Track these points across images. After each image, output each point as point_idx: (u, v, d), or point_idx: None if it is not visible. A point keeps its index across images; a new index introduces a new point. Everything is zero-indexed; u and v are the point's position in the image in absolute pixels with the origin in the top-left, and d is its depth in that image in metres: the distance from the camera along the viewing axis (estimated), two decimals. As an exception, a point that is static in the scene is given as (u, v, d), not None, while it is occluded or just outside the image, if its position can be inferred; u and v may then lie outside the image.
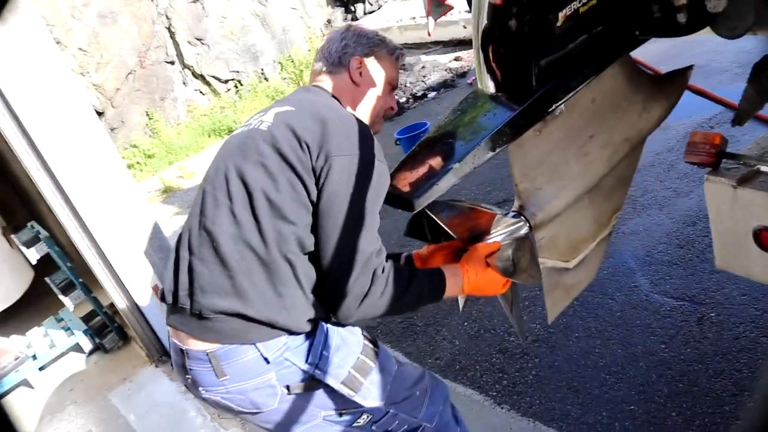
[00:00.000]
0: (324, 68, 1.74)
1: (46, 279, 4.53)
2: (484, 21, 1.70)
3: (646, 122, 1.96)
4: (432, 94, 6.84)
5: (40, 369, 4.21)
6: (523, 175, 1.78)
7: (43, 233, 4.22)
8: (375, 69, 1.75)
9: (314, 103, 1.61)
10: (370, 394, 1.56)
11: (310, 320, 1.51)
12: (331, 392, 1.54)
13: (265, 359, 1.47)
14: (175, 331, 1.58)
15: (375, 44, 1.75)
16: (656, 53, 5.52)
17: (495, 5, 1.62)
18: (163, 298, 1.61)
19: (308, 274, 1.50)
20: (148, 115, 9.79)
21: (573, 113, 1.80)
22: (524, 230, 1.76)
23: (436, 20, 1.84)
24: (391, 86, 1.80)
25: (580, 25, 1.67)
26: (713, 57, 4.99)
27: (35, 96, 3.45)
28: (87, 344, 4.33)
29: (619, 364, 2.62)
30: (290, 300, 1.47)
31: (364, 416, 1.62)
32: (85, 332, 4.30)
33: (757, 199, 1.95)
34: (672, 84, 2.02)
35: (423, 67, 7.35)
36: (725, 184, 2.02)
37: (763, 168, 2.01)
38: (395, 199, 1.58)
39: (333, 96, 1.70)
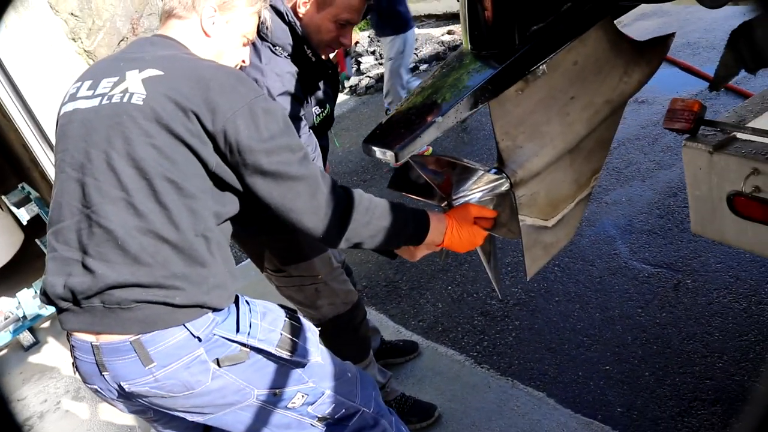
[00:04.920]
0: (175, 11, 1.58)
1: (37, 240, 4.56)
2: (470, -20, 1.74)
3: (627, 85, 2.00)
4: (424, 67, 6.85)
5: (30, 329, 4.25)
6: (504, 133, 1.82)
7: (34, 194, 4.26)
8: (231, 20, 1.60)
9: (179, 61, 1.49)
10: (307, 352, 1.56)
11: (231, 294, 1.50)
12: (263, 366, 1.52)
13: (197, 338, 1.41)
14: (80, 333, 1.43)
15: None
16: (648, 31, 5.57)
17: (480, -36, 1.66)
18: (50, 302, 1.45)
19: (222, 245, 1.48)
20: (139, 83, 9.73)
21: (555, 74, 1.84)
22: (505, 186, 1.81)
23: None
24: (246, 39, 1.67)
25: (563, -13, 1.72)
26: (703, 35, 5.04)
27: (31, 61, 3.49)
28: (77, 305, 4.38)
29: (597, 327, 2.69)
30: (213, 279, 1.43)
31: (299, 395, 1.57)
32: (74, 293, 4.34)
33: (732, 165, 2.01)
34: (653, 50, 2.06)
35: (416, 39, 7.34)
36: (702, 150, 2.08)
37: (739, 135, 2.06)
38: (378, 152, 1.62)
39: (183, 45, 1.57)
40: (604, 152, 2.12)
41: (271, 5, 1.81)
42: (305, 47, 1.92)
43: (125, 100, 1.41)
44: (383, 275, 3.52)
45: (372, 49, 7.37)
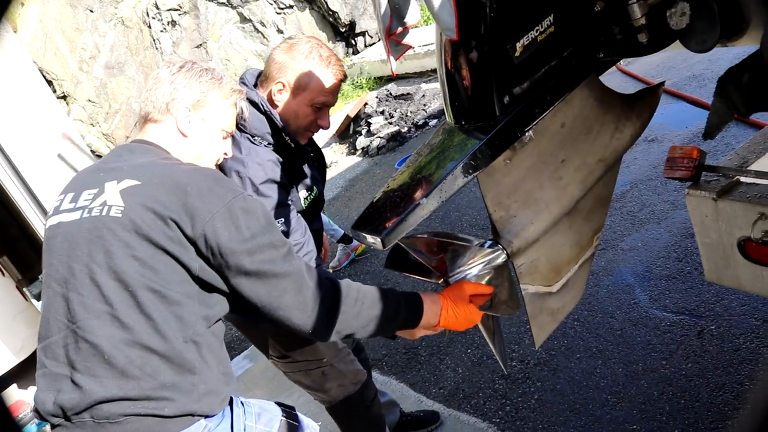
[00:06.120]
0: (150, 115, 1.62)
1: (60, 330, 4.59)
2: (446, 56, 1.74)
3: (620, 141, 1.97)
4: (433, 122, 6.87)
5: (56, 420, 4.24)
6: (496, 204, 1.80)
7: (52, 286, 4.29)
8: (206, 117, 1.63)
9: (156, 168, 1.50)
10: None
11: (225, 398, 1.48)
12: None
13: None
14: None
15: (207, 89, 1.62)
16: (651, 65, 5.56)
17: (453, 41, 1.66)
18: (42, 419, 1.45)
19: (214, 347, 1.47)
20: (158, 160, 9.93)
21: (543, 139, 1.82)
22: (501, 259, 1.77)
23: (397, 59, 1.88)
24: (225, 132, 1.69)
25: (540, 53, 1.71)
26: (708, 66, 5.00)
27: (40, 156, 3.56)
28: (102, 393, 4.37)
29: (621, 383, 2.60)
30: (204, 386, 1.42)
31: None
32: (99, 381, 4.34)
33: (738, 210, 1.95)
34: (643, 102, 2.03)
35: (423, 95, 7.39)
36: (706, 197, 2.03)
37: (743, 179, 2.01)
38: (367, 238, 1.61)
39: (162, 148, 1.60)
40: (604, 210, 2.08)
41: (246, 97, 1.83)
42: (283, 134, 1.94)
43: (104, 213, 1.43)
44: (402, 342, 3.46)
45: (381, 109, 7.43)
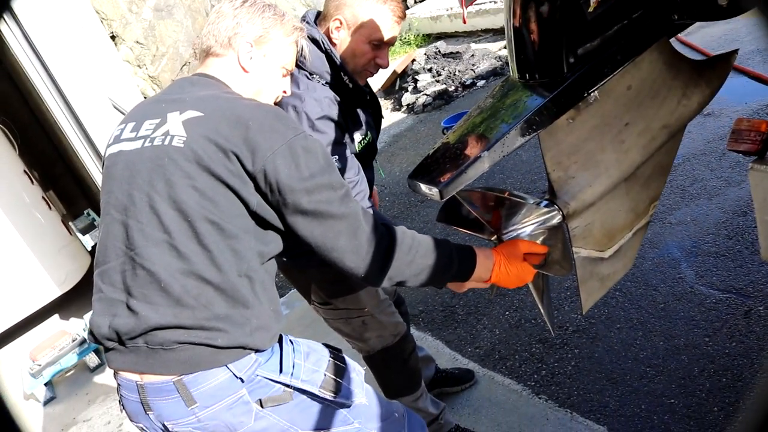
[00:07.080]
0: (212, 49, 1.61)
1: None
2: (515, 6, 1.69)
3: (686, 109, 1.91)
4: (481, 83, 6.76)
5: (96, 351, 4.36)
6: (556, 164, 1.76)
7: (99, 220, 4.38)
8: (268, 53, 1.62)
9: (219, 101, 1.50)
10: (351, 393, 1.55)
11: (275, 335, 1.49)
12: (308, 407, 1.51)
13: (239, 379, 1.41)
14: (126, 372, 1.46)
15: (270, 25, 1.60)
16: (714, 39, 5.37)
17: (526, -8, 1.61)
18: (96, 342, 1.48)
19: (267, 285, 1.48)
20: (202, 105, 9.98)
21: (608, 100, 1.77)
22: (557, 219, 1.74)
23: (467, 7, 1.83)
24: (285, 70, 1.67)
25: (613, 10, 1.65)
26: (773, 41, 4.80)
27: (92, 93, 3.59)
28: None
29: (660, 356, 2.57)
30: (256, 320, 1.43)
31: None
32: (138, 316, 4.44)
33: (805, 189, 1.89)
34: (714, 69, 1.96)
35: (472, 55, 7.26)
36: (771, 173, 1.96)
37: (813, 156, 1.94)
38: (423, 188, 1.59)
39: (223, 82, 1.60)
40: (663, 178, 2.03)
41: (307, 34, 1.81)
42: (342, 74, 1.91)
43: (166, 142, 1.44)
44: (440, 300, 3.46)
45: (429, 67, 7.33)
